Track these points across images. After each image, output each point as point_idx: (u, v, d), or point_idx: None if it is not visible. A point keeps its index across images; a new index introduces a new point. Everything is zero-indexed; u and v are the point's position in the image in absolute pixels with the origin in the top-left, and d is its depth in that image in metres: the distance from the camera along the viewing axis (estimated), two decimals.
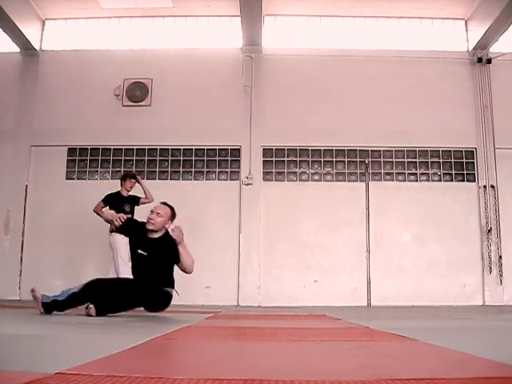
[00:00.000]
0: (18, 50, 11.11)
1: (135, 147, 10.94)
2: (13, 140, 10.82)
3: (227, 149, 10.93)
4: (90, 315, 4.66)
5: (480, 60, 10.89)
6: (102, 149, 10.95)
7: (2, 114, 10.94)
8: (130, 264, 6.90)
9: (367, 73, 11.04)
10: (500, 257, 10.33)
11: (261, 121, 10.81)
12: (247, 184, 10.58)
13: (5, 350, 1.98)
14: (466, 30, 11.33)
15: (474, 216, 10.59)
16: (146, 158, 10.91)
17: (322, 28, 11.51)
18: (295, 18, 11.52)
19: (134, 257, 5.56)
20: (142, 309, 5.36)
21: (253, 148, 10.75)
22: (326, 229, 10.59)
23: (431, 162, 10.86)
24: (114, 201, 8.35)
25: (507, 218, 10.48)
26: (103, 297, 4.88)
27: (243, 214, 10.54)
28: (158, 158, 10.92)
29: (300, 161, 10.89)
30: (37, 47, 11.19)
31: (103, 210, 8.15)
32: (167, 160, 10.92)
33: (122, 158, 10.94)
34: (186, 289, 10.15)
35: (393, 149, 10.89)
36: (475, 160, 10.79)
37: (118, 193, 8.53)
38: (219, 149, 10.93)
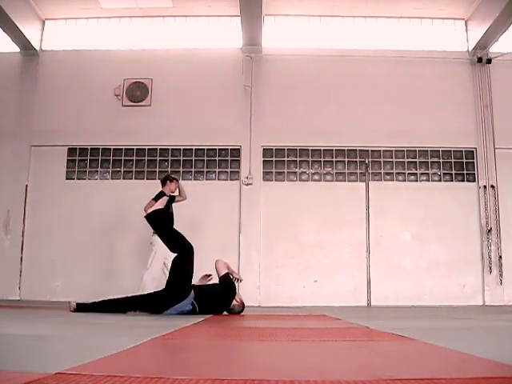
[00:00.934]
0: (18, 49, 11.11)
1: (135, 147, 10.94)
2: (13, 140, 10.83)
3: (227, 149, 10.93)
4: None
5: (480, 60, 10.90)
6: (102, 149, 10.96)
7: (2, 114, 10.95)
8: (157, 270, 7.96)
9: (367, 73, 11.04)
10: (500, 257, 10.33)
11: (261, 121, 10.82)
12: (247, 184, 10.58)
13: (5, 350, 1.98)
14: (466, 30, 11.33)
15: (474, 216, 10.59)
16: (146, 158, 10.91)
17: (322, 28, 11.51)
18: (295, 18, 11.51)
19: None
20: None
21: (253, 148, 10.75)
22: (326, 229, 10.59)
23: (431, 161, 10.86)
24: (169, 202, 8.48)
25: (507, 218, 10.48)
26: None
27: (243, 213, 10.54)
28: (157, 158, 10.92)
29: (300, 161, 10.89)
30: (37, 47, 11.19)
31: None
32: (167, 160, 10.93)
33: (122, 158, 10.95)
34: None
35: (393, 149, 10.90)
36: (475, 160, 10.80)
37: (164, 193, 8.62)
38: (219, 149, 10.93)
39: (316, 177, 10.85)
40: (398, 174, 10.83)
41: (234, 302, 5.78)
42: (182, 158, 10.93)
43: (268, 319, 5.08)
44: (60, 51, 11.33)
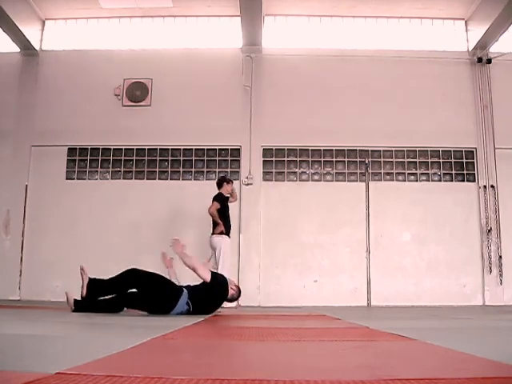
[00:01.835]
0: (18, 50, 11.12)
1: (135, 147, 10.94)
2: (13, 140, 10.83)
3: (227, 149, 10.93)
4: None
5: (480, 60, 10.90)
6: (102, 149, 10.96)
7: (2, 114, 10.95)
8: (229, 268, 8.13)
9: (367, 73, 11.04)
10: (500, 257, 10.33)
11: (261, 121, 10.81)
12: (247, 184, 10.58)
13: (5, 349, 1.98)
14: (466, 30, 11.34)
15: (474, 216, 10.59)
16: (146, 158, 10.92)
17: (322, 28, 11.51)
18: (295, 18, 11.52)
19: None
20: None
21: (253, 148, 10.75)
22: (325, 229, 10.59)
23: (431, 162, 10.86)
24: (224, 201, 8.87)
25: (507, 218, 10.48)
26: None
27: (243, 213, 10.54)
28: (158, 158, 10.92)
29: (300, 161, 10.89)
30: (37, 47, 11.19)
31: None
32: (167, 160, 10.93)
33: (122, 157, 10.95)
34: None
35: (393, 149, 10.90)
36: (475, 160, 10.80)
37: (221, 194, 8.96)
38: (219, 149, 10.94)
39: (316, 177, 10.85)
40: (397, 174, 10.83)
41: (231, 291, 5.70)
42: (181, 158, 10.94)
43: (268, 319, 5.08)
44: (60, 51, 11.34)
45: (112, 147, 10.96)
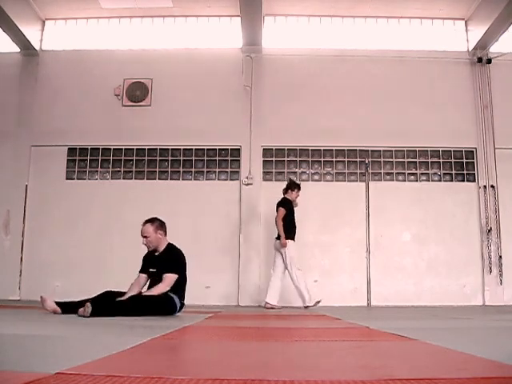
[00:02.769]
0: (18, 50, 11.11)
1: (135, 147, 10.94)
2: (13, 140, 10.82)
3: (227, 149, 10.93)
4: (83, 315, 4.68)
5: (480, 60, 10.90)
6: (102, 149, 10.96)
7: (2, 114, 10.95)
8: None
9: (367, 73, 11.04)
10: (500, 257, 10.33)
11: (261, 121, 10.81)
12: (247, 184, 10.58)
13: (5, 350, 1.98)
14: (466, 30, 11.34)
15: (474, 216, 10.59)
16: (146, 158, 10.92)
17: (322, 28, 11.51)
18: (295, 18, 11.52)
19: (149, 275, 5.92)
20: None
21: (253, 148, 10.75)
22: (325, 229, 10.59)
23: (431, 161, 10.86)
24: (291, 207, 8.95)
25: (507, 218, 10.48)
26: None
27: (243, 213, 10.54)
28: (158, 158, 10.93)
29: (300, 161, 10.89)
30: (37, 47, 11.19)
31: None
32: (167, 160, 10.93)
33: (122, 157, 10.95)
34: (186, 288, 10.21)
35: (393, 149, 10.90)
36: (475, 160, 10.80)
37: (287, 199, 9.03)
38: (219, 149, 10.94)
39: (316, 177, 10.85)
40: (397, 173, 10.83)
41: None
42: (181, 158, 10.94)
43: (268, 319, 5.08)
44: (60, 51, 11.33)
45: (112, 147, 10.96)
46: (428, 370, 1.65)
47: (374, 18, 11.47)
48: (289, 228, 8.76)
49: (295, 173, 10.83)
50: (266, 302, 8.51)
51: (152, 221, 5.85)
